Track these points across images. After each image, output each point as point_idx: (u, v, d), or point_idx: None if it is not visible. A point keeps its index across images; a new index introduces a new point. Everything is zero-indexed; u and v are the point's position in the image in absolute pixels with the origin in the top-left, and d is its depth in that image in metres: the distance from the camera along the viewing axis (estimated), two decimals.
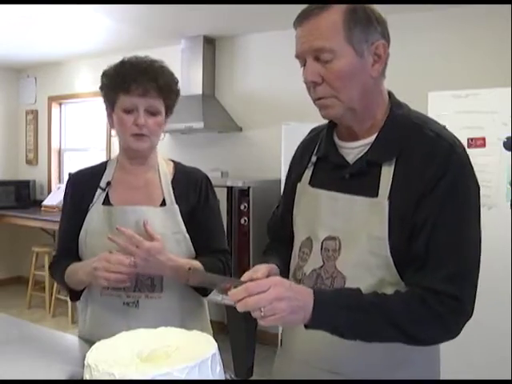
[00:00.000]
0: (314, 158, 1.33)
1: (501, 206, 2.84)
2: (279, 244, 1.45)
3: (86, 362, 0.99)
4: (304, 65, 1.16)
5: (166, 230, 1.61)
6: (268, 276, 1.15)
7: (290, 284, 1.06)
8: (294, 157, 1.46)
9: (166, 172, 1.71)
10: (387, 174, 1.15)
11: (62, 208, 1.79)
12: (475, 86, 3.05)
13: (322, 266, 1.23)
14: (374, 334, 1.10)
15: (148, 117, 1.59)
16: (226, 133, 4.67)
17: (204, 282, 1.10)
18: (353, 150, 1.23)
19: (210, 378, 0.98)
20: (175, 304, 1.63)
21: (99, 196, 1.67)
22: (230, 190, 4.03)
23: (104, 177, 1.70)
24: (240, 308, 1.01)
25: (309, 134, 1.44)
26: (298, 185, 1.35)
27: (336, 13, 1.11)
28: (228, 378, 1.08)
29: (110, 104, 1.62)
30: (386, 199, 1.14)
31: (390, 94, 1.24)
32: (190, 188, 1.70)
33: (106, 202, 1.66)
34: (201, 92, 4.64)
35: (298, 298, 1.04)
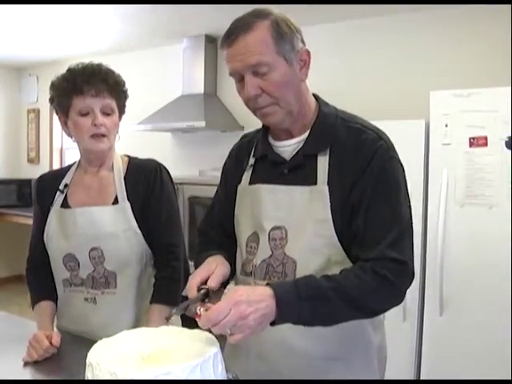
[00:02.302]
0: (252, 160, 1.40)
1: (503, 205, 2.83)
2: (215, 248, 1.43)
3: (87, 361, 0.99)
4: (239, 81, 1.25)
5: (115, 229, 1.65)
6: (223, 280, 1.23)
7: (250, 294, 1.06)
8: (226, 163, 1.53)
9: (120, 169, 1.73)
10: (323, 163, 1.26)
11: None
12: (477, 85, 3.05)
13: (271, 256, 1.30)
14: (336, 316, 1.16)
15: (104, 117, 1.62)
16: (227, 132, 4.65)
17: (177, 314, 1.13)
18: (288, 148, 1.32)
19: (212, 377, 0.98)
20: (130, 300, 1.67)
21: (57, 198, 1.73)
22: None
23: (63, 180, 1.76)
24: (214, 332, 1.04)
25: (240, 139, 1.52)
26: (239, 187, 1.41)
27: (262, 30, 1.20)
28: (230, 377, 1.08)
29: (64, 111, 1.65)
30: (326, 185, 1.24)
31: (315, 95, 1.36)
32: (141, 181, 1.71)
33: (65, 204, 1.72)
34: (202, 91, 4.64)
35: (261, 307, 1.05)
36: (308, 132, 1.30)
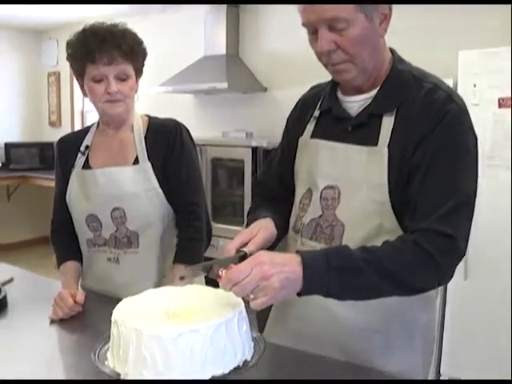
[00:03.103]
0: (316, 113, 1.35)
1: None
2: (272, 201, 1.44)
3: (112, 318, 1.00)
4: (312, 33, 1.18)
5: (137, 189, 1.66)
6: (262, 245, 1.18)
7: (274, 257, 1.04)
8: (292, 113, 1.48)
9: (141, 129, 1.72)
10: (388, 124, 1.19)
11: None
12: (507, 44, 2.95)
13: (321, 216, 1.26)
14: (369, 290, 1.09)
15: (119, 83, 1.60)
16: (250, 93, 4.61)
17: (197, 274, 1.11)
18: (356, 104, 1.26)
19: (237, 336, 0.99)
20: (152, 260, 1.69)
21: (79, 160, 1.74)
22: (254, 150, 4.01)
23: (84, 141, 1.76)
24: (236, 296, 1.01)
25: (309, 90, 1.47)
26: (300, 139, 1.37)
27: None
28: (254, 336, 1.08)
29: (79, 75, 1.65)
30: (386, 147, 1.17)
31: (392, 50, 1.28)
32: (162, 140, 1.70)
33: (86, 165, 1.73)
34: (224, 52, 4.58)
35: (286, 271, 1.00)
36: (378, 89, 1.23)
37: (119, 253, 1.70)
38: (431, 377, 3.04)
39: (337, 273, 1.04)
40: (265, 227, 1.25)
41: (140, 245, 1.68)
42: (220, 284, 1.01)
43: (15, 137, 6.35)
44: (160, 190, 1.67)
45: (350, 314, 1.26)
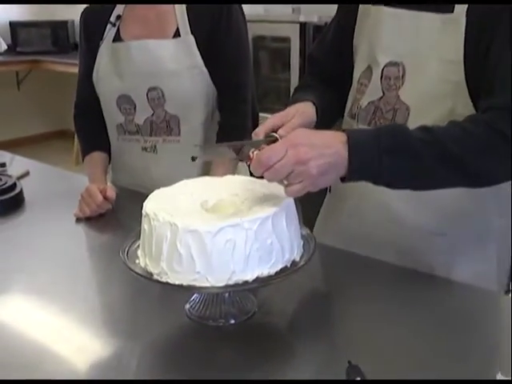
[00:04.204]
0: None
1: None
2: (324, 82, 1.41)
3: (143, 211, 1.02)
4: None
5: (178, 65, 1.64)
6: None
7: (313, 136, 1.00)
8: None
9: None
10: None
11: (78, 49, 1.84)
12: None
13: (381, 97, 1.25)
14: (427, 178, 1.04)
15: None
16: None
17: (218, 155, 1.06)
18: None
19: (284, 231, 1.00)
20: (195, 149, 1.68)
21: (109, 32, 1.71)
22: (303, 26, 3.90)
23: (115, 10, 1.72)
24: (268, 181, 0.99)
25: None
26: (360, 6, 1.33)
27: None
28: (304, 234, 1.10)
29: None
30: (464, 15, 1.12)
31: None
32: (207, 10, 1.66)
33: (118, 38, 1.70)
34: None
35: (327, 154, 0.96)
36: None
37: (157, 141, 1.71)
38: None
39: (389, 155, 0.99)
40: (302, 112, 1.22)
41: (181, 132, 1.69)
42: (250, 167, 0.99)
43: (22, 14, 6.28)
44: (204, 69, 1.66)
45: (410, 211, 1.26)
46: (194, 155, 1.04)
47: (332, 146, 0.98)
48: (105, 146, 1.79)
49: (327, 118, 1.32)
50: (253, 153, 1.01)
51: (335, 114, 1.40)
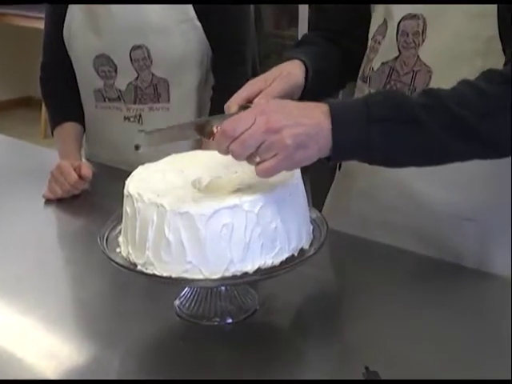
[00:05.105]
0: None
1: None
2: (332, 39, 1.39)
3: (125, 191, 1.02)
4: None
5: (167, 20, 1.64)
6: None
7: (289, 104, 0.99)
8: None
9: None
10: None
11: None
12: None
13: (397, 57, 1.24)
14: (431, 150, 1.01)
15: None
16: None
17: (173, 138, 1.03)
18: None
19: (291, 215, 1.00)
20: (188, 118, 1.67)
21: None
22: None
23: None
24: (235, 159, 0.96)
25: None
26: None
27: None
28: (314, 217, 1.10)
29: None
30: None
31: None
32: None
33: None
34: None
35: (304, 123, 0.93)
36: None
37: (142, 109, 1.71)
38: None
39: (381, 125, 0.95)
40: (286, 74, 1.20)
41: (171, 98, 1.69)
42: (215, 143, 0.97)
43: None
44: (197, 23, 1.65)
45: (432, 190, 1.26)
46: (138, 142, 0.98)
47: (312, 116, 0.95)
48: (78, 116, 1.79)
49: (326, 82, 1.32)
50: (217, 127, 0.99)
51: (339, 78, 1.39)
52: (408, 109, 0.97)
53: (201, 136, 1.05)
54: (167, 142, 1.02)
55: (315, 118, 0.95)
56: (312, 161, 0.97)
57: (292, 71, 1.22)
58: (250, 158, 0.94)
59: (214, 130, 1.00)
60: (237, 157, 0.94)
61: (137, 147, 0.99)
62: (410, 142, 0.98)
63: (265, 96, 1.11)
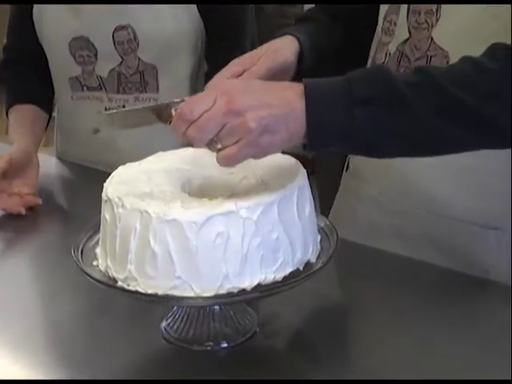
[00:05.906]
0: None
1: None
2: (337, 16, 1.40)
3: (103, 195, 1.02)
4: None
5: None
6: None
7: (256, 84, 0.99)
8: None
9: None
10: None
11: None
12: None
13: (407, 40, 1.24)
14: (424, 137, 0.98)
15: None
16: None
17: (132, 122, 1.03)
18: None
19: (296, 222, 0.99)
20: None
21: None
22: None
23: None
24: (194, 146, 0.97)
25: None
26: None
27: None
28: (322, 225, 1.10)
29: None
30: None
31: None
32: None
33: None
34: None
35: (271, 104, 0.92)
36: None
37: (126, 99, 1.70)
38: None
39: (365, 107, 0.93)
40: (273, 51, 1.20)
41: (160, 87, 1.69)
42: (171, 128, 0.97)
43: None
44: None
45: (452, 197, 1.27)
46: (96, 126, 0.97)
47: (282, 96, 0.94)
48: (41, 100, 1.76)
49: (328, 60, 1.33)
50: (175, 110, 0.98)
51: (341, 57, 1.39)
52: (397, 88, 0.94)
53: (160, 121, 1.04)
54: (129, 127, 1.01)
55: (286, 98, 0.94)
56: (281, 148, 0.97)
57: (281, 47, 1.22)
58: (210, 145, 0.94)
59: (173, 112, 0.99)
60: (196, 143, 0.94)
61: (95, 131, 0.99)
62: (398, 128, 0.96)
63: (249, 75, 1.12)
